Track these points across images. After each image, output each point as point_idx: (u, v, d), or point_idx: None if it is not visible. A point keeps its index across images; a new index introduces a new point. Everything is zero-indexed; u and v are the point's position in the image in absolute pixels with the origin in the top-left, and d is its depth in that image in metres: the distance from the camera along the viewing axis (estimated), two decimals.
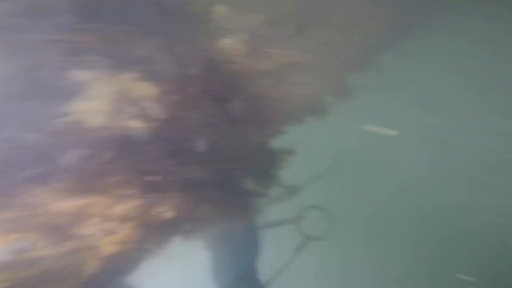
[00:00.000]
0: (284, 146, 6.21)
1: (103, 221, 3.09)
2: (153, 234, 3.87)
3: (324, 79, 6.20)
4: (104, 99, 2.94)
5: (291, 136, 6.50)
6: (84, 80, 2.86)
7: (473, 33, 7.19)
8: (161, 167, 3.22)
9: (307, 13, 4.83)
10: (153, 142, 3.20)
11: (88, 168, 2.66)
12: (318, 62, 5.50)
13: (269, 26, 4.72)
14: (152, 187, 3.17)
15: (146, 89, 3.29)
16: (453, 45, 7.59)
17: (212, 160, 4.21)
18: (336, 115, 7.10)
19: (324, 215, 7.17)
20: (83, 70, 2.85)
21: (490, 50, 7.60)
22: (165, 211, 3.61)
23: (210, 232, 5.10)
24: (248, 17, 4.60)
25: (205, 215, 4.88)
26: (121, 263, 3.56)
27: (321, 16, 5.02)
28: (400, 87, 10.58)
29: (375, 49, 6.51)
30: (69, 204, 2.71)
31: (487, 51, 7.61)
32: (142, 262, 4.51)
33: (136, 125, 3.06)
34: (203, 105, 3.39)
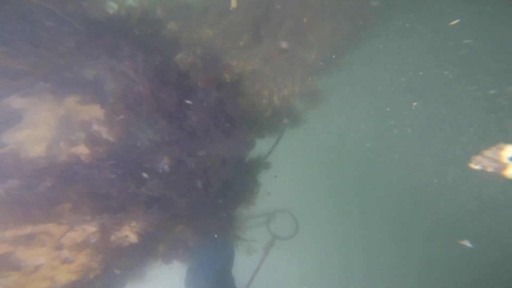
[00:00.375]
0: (258, 157, 6.21)
1: (55, 250, 3.00)
2: (118, 259, 3.76)
3: (290, 86, 6.25)
4: (46, 126, 2.89)
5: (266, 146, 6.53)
6: (22, 108, 2.81)
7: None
8: (116, 190, 3.15)
9: (260, 22, 4.89)
10: (105, 166, 3.14)
11: (29, 197, 2.58)
12: (279, 70, 5.55)
13: (224, 38, 4.76)
14: (108, 211, 3.09)
15: (92, 112, 3.26)
16: (405, 46, 7.97)
17: (177, 178, 4.15)
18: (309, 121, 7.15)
19: (292, 218, 7.28)
20: (20, 97, 2.81)
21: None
22: (129, 235, 3.53)
23: (185, 249, 5.00)
24: (201, 32, 4.64)
25: (178, 234, 4.80)
26: None
27: (275, 24, 5.08)
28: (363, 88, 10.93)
29: (335, 52, 6.63)
30: (11, 234, 2.62)
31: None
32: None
33: (83, 150, 3.01)
34: (158, 123, 3.35)
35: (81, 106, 3.29)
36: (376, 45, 8.03)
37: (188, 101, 3.80)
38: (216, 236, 4.90)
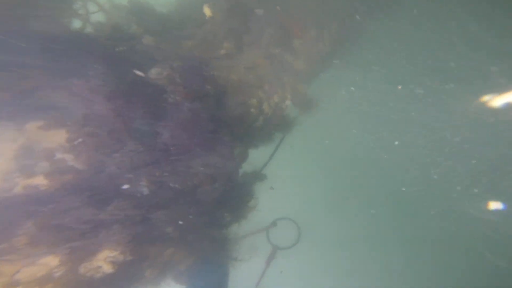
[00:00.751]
0: (252, 170, 5.90)
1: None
2: None
3: (280, 93, 5.98)
4: (4, 157, 2.64)
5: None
6: None
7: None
8: (83, 219, 2.86)
9: (241, 29, 4.66)
10: (69, 195, 2.86)
11: None
12: (266, 77, 5.29)
13: (204, 48, 4.52)
14: (70, 242, 2.80)
15: (56, 138, 3.00)
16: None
17: (160, 200, 3.86)
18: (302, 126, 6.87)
19: (293, 225, 6.85)
20: None
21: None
22: (102, 265, 3.22)
23: (177, 273, 4.67)
24: (179, 44, 4.41)
25: (168, 257, 4.47)
26: None
27: (258, 30, 4.85)
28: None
29: (322, 58, 6.39)
30: None
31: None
32: None
33: (42, 181, 2.74)
34: (126, 145, 3.07)
35: (44, 132, 3.03)
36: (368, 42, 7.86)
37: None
38: (208, 258, 4.56)
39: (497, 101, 8.23)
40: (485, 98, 8.37)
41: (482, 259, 12.69)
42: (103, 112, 2.84)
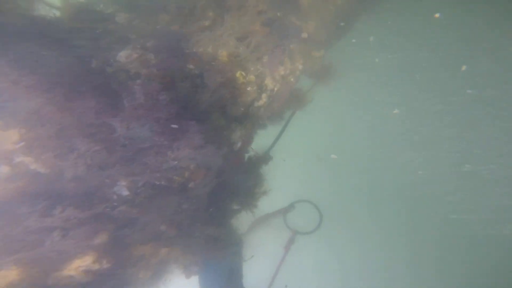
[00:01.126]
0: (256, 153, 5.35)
1: None
2: None
3: (287, 63, 5.19)
4: None
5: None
6: None
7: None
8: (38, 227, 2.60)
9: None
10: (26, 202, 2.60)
11: None
12: (263, 46, 4.53)
13: (183, 21, 3.91)
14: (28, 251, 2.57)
15: (11, 138, 2.71)
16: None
17: (143, 200, 3.52)
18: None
19: (313, 209, 6.22)
20: None
21: None
22: (74, 275, 2.99)
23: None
24: (155, 19, 3.84)
25: (163, 258, 4.23)
26: None
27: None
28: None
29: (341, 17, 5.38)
30: None
31: None
32: None
33: None
34: (81, 143, 2.69)
35: (2, 132, 2.75)
36: None
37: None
38: (208, 259, 4.23)
39: None
40: None
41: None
42: (41, 107, 2.45)
